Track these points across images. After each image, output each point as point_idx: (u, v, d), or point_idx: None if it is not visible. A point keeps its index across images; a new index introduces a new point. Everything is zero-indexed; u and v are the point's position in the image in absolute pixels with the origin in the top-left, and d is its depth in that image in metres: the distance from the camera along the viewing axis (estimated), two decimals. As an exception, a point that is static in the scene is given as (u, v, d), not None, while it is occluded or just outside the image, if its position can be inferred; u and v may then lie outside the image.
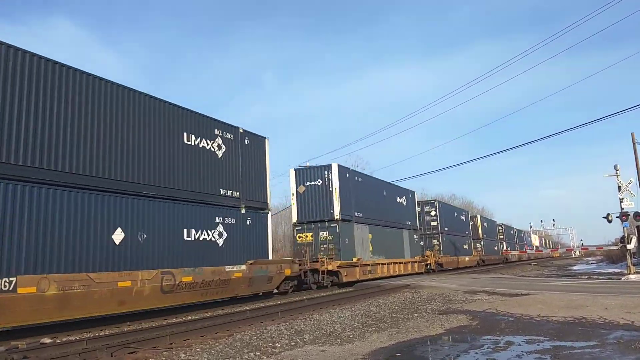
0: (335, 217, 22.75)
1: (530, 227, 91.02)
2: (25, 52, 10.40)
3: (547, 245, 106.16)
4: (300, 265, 19.61)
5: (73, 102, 11.30)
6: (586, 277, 26.33)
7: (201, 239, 14.45)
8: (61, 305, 10.20)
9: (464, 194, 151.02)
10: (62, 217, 10.69)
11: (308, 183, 23.63)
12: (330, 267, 21.59)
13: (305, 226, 23.29)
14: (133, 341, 8.50)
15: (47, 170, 10.52)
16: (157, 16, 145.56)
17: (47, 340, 9.39)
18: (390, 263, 27.88)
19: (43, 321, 10.25)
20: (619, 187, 24.04)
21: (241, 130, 17.00)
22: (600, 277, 25.55)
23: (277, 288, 18.39)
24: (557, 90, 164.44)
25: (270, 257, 17.53)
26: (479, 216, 54.35)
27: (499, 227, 62.39)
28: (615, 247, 48.16)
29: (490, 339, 8.15)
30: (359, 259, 23.75)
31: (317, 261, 21.48)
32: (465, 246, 44.10)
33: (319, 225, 22.99)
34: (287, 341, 8.55)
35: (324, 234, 22.87)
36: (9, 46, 10.08)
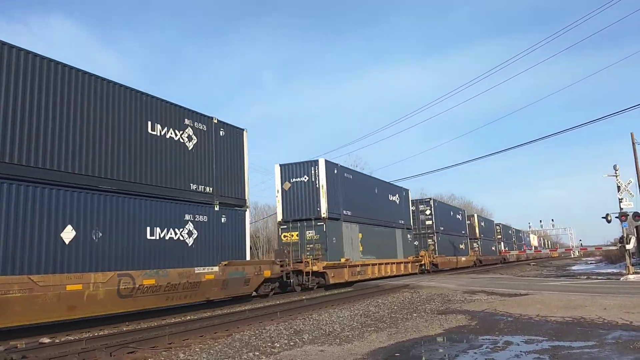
0: (322, 216, 21.55)
1: (529, 227, 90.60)
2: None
3: (546, 246, 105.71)
4: (281, 266, 18.39)
5: (8, 83, 10.02)
6: (585, 277, 26.39)
7: (167, 238, 13.25)
8: (-4, 312, 9.04)
9: (463, 194, 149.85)
10: (0, 212, 9.54)
11: (294, 179, 22.46)
12: (315, 268, 20.41)
13: (290, 225, 22.10)
14: (132, 341, 8.46)
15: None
16: (157, 16, 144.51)
17: (46, 340, 9.26)
18: (382, 264, 26.69)
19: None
20: (619, 187, 24.12)
21: (215, 121, 15.77)
22: (599, 277, 25.79)
23: (257, 291, 17.18)
24: (557, 90, 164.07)
25: (247, 258, 16.36)
26: (476, 215, 53.21)
27: (497, 227, 61.40)
28: (614, 248, 47.91)
29: (489, 339, 8.15)
30: (347, 260, 22.54)
31: (302, 262, 20.31)
32: (462, 246, 43.02)
33: (305, 224, 21.78)
34: (286, 341, 8.55)
35: (310, 233, 21.68)
36: None
